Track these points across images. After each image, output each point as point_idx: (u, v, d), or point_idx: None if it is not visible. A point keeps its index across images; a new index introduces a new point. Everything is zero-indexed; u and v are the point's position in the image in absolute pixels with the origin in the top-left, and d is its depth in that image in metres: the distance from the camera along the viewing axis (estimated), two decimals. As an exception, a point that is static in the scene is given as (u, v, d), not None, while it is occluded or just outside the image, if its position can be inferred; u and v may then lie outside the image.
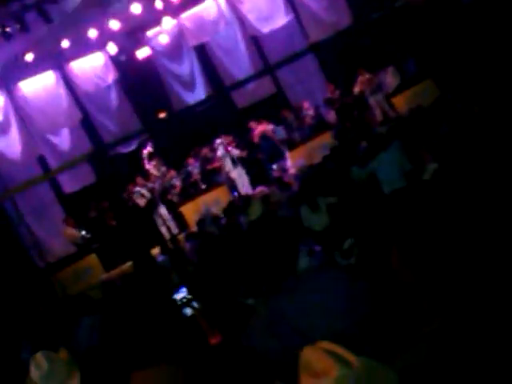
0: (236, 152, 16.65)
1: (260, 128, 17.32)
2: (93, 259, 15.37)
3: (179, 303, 6.40)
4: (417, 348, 2.59)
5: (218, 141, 16.68)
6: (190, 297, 6.46)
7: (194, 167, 17.12)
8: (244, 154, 16.85)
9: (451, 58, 15.39)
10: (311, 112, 17.63)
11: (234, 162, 16.53)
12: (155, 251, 14.11)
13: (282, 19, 18.96)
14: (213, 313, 5.73)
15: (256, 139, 17.22)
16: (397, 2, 17.95)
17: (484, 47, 14.80)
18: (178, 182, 16.81)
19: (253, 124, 17.37)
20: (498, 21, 15.09)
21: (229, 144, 16.61)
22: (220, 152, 16.60)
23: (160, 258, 12.82)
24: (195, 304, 6.24)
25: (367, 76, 17.24)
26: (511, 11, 14.55)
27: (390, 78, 17.51)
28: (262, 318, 3.11)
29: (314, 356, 1.87)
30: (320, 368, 1.82)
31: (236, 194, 16.25)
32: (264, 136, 17.09)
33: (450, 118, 10.62)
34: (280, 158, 16.61)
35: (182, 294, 6.58)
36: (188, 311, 6.11)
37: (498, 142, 7.43)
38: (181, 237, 14.80)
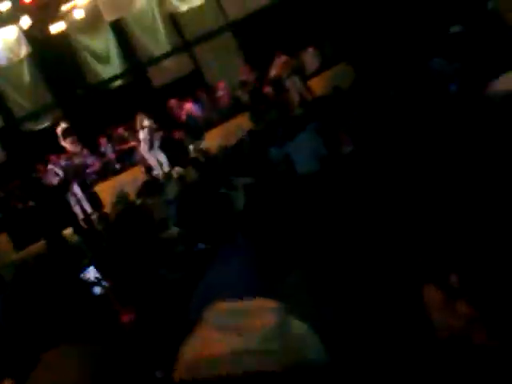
0: (159, 135, 16.44)
1: (187, 106, 17.19)
2: (3, 240, 14.99)
3: (88, 282, 6.25)
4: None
5: (145, 123, 16.34)
6: (99, 276, 6.32)
7: (106, 147, 16.87)
8: (163, 135, 16.66)
9: (367, 40, 15.57)
10: (226, 93, 17.57)
11: (153, 144, 16.32)
12: (68, 231, 13.90)
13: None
14: (124, 291, 5.63)
15: (183, 117, 17.07)
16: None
17: (399, 30, 15.05)
18: (93, 161, 16.53)
19: (173, 102, 17.19)
20: (412, 7, 15.37)
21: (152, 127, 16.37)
22: (143, 134, 16.30)
23: (74, 238, 12.63)
24: (106, 283, 6.11)
25: (284, 58, 17.26)
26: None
27: (310, 59, 17.60)
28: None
29: (233, 308, 1.70)
30: (241, 322, 1.64)
31: (156, 172, 16.05)
32: (190, 115, 16.98)
33: (366, 102, 10.77)
34: (201, 137, 16.50)
35: (91, 273, 6.42)
36: (98, 290, 5.97)
37: (413, 124, 7.57)
38: (94, 217, 14.62)
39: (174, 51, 19.00)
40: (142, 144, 16.29)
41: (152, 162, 16.27)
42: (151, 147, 16.25)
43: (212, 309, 1.74)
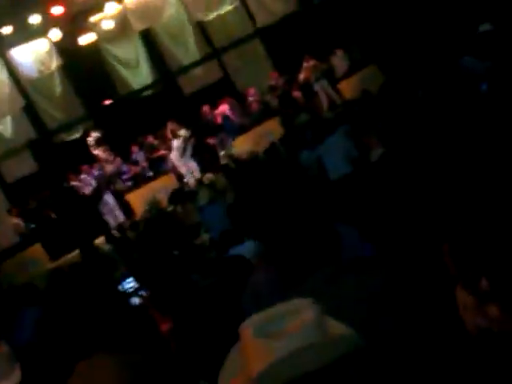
0: (191, 143, 16.49)
1: (223, 108, 17.25)
2: (38, 249, 15.12)
3: (126, 292, 6.31)
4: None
5: (182, 132, 16.37)
6: (137, 285, 6.37)
7: (138, 154, 16.97)
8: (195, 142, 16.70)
9: (396, 42, 15.50)
10: (256, 98, 17.58)
11: (185, 152, 16.36)
12: (100, 240, 13.98)
13: (227, 5, 18.87)
14: (162, 300, 5.66)
15: (218, 120, 17.12)
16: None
17: (427, 32, 14.95)
18: (126, 169, 16.64)
19: (206, 107, 17.23)
20: (439, 7, 15.26)
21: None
22: (177, 143, 16.34)
23: (106, 247, 12.71)
24: (143, 292, 6.15)
25: (312, 62, 17.25)
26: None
27: (339, 62, 17.57)
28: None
29: (270, 316, 1.71)
30: (280, 327, 1.65)
31: (185, 180, 16.10)
32: (226, 116, 17.04)
33: (396, 104, 10.70)
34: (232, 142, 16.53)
35: (129, 284, 6.48)
36: (136, 300, 6.02)
37: (443, 126, 7.51)
38: (126, 226, 14.70)
39: (203, 59, 19.06)
40: (174, 152, 16.33)
41: (183, 169, 16.31)
42: (183, 155, 16.29)
43: (249, 322, 1.74)
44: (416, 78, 11.70)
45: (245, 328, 1.69)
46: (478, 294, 1.82)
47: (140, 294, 6.16)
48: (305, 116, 15.64)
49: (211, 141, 16.80)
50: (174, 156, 16.34)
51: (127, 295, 6.24)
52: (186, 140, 16.34)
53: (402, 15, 15.75)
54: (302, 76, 17.29)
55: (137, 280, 6.51)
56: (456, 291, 1.90)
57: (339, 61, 17.70)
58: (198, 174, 16.06)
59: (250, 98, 17.56)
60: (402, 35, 15.38)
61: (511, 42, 10.47)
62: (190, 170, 16.25)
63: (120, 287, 6.41)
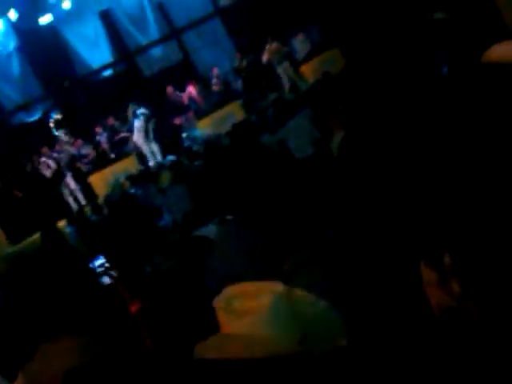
0: (153, 123, 16.41)
1: (189, 89, 17.29)
2: (-3, 232, 14.96)
3: (96, 272, 6.30)
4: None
5: (141, 110, 16.27)
6: (107, 265, 6.36)
7: (101, 136, 16.83)
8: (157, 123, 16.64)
9: (356, 26, 15.53)
10: (219, 80, 17.53)
11: (148, 133, 16.28)
12: (62, 223, 13.86)
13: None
14: (131, 280, 5.66)
15: (185, 101, 17.10)
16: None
17: (388, 16, 15.02)
18: (88, 151, 16.49)
19: (171, 88, 17.14)
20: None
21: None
22: (136, 122, 16.25)
23: (68, 230, 12.61)
24: (113, 272, 6.14)
25: (275, 45, 17.22)
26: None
27: (300, 45, 17.58)
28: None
29: (237, 292, 1.77)
30: (244, 304, 1.72)
31: (150, 163, 16.03)
32: (192, 98, 17.02)
33: (357, 86, 10.77)
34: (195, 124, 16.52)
35: (99, 262, 6.45)
36: (106, 279, 6.00)
37: (404, 109, 7.57)
38: (88, 208, 14.60)
39: (162, 39, 18.95)
40: (136, 133, 16.22)
41: (146, 151, 16.23)
42: (146, 136, 16.20)
43: (223, 292, 1.81)
44: (377, 61, 11.78)
45: (217, 301, 1.77)
46: (441, 270, 1.85)
47: (110, 273, 6.14)
48: (267, 99, 15.66)
49: (176, 121, 16.74)
50: (136, 137, 16.24)
51: (97, 274, 6.22)
52: (146, 120, 16.25)
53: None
54: (264, 58, 17.25)
55: (107, 260, 6.49)
56: (421, 268, 1.93)
57: (300, 44, 17.70)
58: (160, 156, 16.02)
59: (214, 79, 17.48)
60: (364, 19, 15.42)
61: (467, 30, 10.55)
62: (152, 152, 16.19)
63: (90, 265, 6.38)
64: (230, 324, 1.75)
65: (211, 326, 1.87)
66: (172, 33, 19.14)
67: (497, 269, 1.86)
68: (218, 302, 1.79)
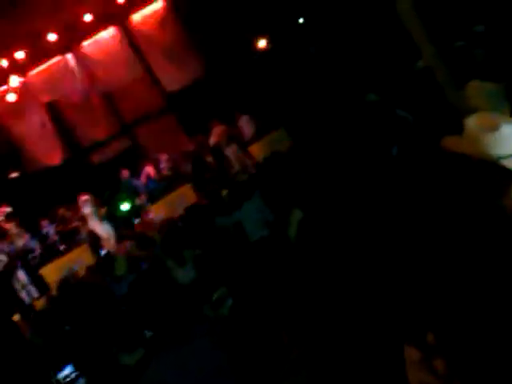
0: (101, 208, 16.42)
1: (148, 169, 17.45)
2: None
3: (65, 381, 6.19)
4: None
5: (84, 198, 16.29)
6: (76, 373, 6.24)
7: (49, 228, 16.64)
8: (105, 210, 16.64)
9: (301, 107, 15.91)
10: (168, 164, 17.65)
11: (101, 218, 16.25)
12: (16, 318, 13.55)
13: (132, 74, 19.03)
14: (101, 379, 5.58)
15: (143, 179, 17.22)
16: (255, 55, 18.52)
17: (331, 94, 15.42)
18: (35, 245, 16.26)
19: (125, 171, 17.17)
20: (341, 68, 15.82)
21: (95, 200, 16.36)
22: (87, 209, 16.24)
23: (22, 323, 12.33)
24: (82, 380, 6.03)
25: (221, 127, 17.48)
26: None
27: (246, 127, 17.85)
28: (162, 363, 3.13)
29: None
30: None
31: (102, 251, 15.89)
32: (150, 178, 17.16)
33: (306, 163, 10.93)
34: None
35: (66, 372, 6.33)
36: None
37: (355, 188, 7.71)
38: (41, 301, 14.31)
39: (114, 136, 19.10)
40: (89, 218, 16.19)
41: (102, 234, 16.14)
42: (101, 220, 16.19)
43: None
44: (325, 138, 11.99)
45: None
46: (424, 349, 1.90)
47: (79, 381, 6.04)
48: (218, 181, 15.79)
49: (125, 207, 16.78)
50: (92, 224, 16.17)
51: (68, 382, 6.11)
52: (92, 203, 16.25)
53: (305, 80, 16.26)
54: (212, 140, 17.48)
55: (76, 367, 6.37)
56: (404, 347, 1.98)
57: (246, 125, 17.98)
58: (113, 241, 15.94)
59: (163, 164, 17.62)
60: (308, 97, 15.82)
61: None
62: (108, 235, 16.12)
63: (57, 377, 6.27)
64: None
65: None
66: (123, 127, 19.29)
67: (480, 346, 1.93)
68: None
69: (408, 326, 2.05)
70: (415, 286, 2.15)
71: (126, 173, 17.34)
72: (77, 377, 6.17)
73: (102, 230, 16.19)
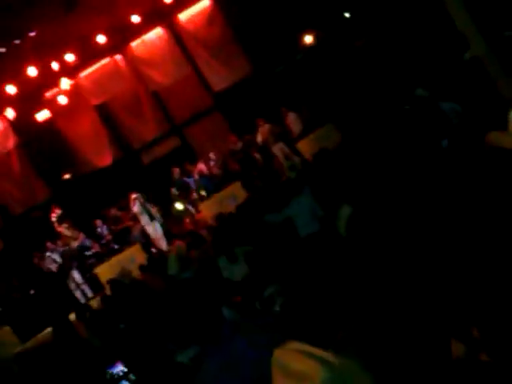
0: (152, 207, 16.60)
1: (200, 166, 17.69)
2: (7, 332, 14.82)
3: (116, 377, 6.26)
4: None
5: (133, 196, 16.52)
6: (126, 370, 6.32)
7: (102, 228, 16.87)
8: (157, 208, 16.82)
9: (350, 101, 15.84)
10: (218, 163, 17.75)
11: (151, 216, 16.43)
12: (71, 317, 13.78)
13: (180, 72, 19.16)
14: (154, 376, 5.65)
15: (196, 177, 17.40)
16: (298, 55, 18.51)
17: (379, 87, 15.33)
18: (90, 244, 16.52)
19: (177, 169, 17.38)
20: (389, 61, 15.70)
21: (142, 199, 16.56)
22: (136, 208, 16.46)
23: (77, 323, 12.52)
24: (132, 377, 6.10)
25: (266, 126, 17.50)
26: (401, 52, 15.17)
27: (294, 124, 17.82)
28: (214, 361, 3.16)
29: (292, 357, 1.79)
30: (301, 370, 1.73)
31: (154, 250, 16.09)
32: (202, 175, 17.42)
33: (355, 159, 10.89)
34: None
35: (118, 368, 6.42)
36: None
37: (407, 183, 7.64)
38: (95, 301, 14.53)
39: (163, 136, 19.26)
40: (140, 217, 16.39)
41: (152, 233, 16.34)
42: (151, 219, 16.37)
43: (282, 350, 1.85)
44: (372, 132, 11.93)
45: (275, 357, 1.82)
46: (469, 343, 1.90)
47: (129, 378, 6.11)
48: (266, 178, 15.83)
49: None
50: (142, 220, 16.38)
51: (116, 379, 6.19)
52: (142, 203, 16.43)
53: (352, 75, 16.19)
54: (259, 139, 17.52)
55: (126, 365, 6.45)
56: (451, 343, 1.98)
57: (293, 122, 17.95)
58: (164, 240, 16.15)
59: (212, 162, 17.72)
60: (356, 92, 15.74)
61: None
62: (158, 237, 16.30)
63: (110, 371, 6.36)
64: (279, 381, 1.81)
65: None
66: (172, 127, 19.45)
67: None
68: (276, 359, 1.84)
69: (454, 321, 2.05)
70: (462, 281, 2.14)
71: (177, 171, 17.47)
72: (126, 373, 6.25)
73: (152, 228, 16.38)
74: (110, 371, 6.37)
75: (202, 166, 17.78)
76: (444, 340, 2.07)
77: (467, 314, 1.98)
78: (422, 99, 11.92)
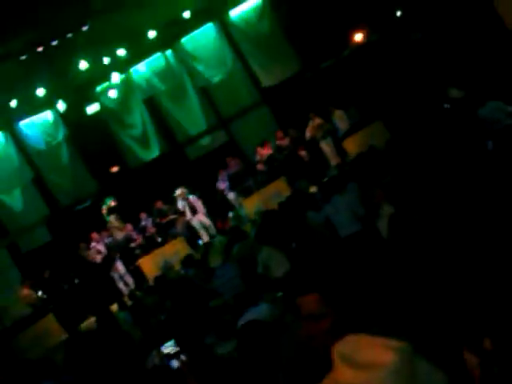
0: (196, 202, 16.71)
1: (266, 149, 17.81)
2: (51, 320, 15.07)
3: (166, 355, 6.36)
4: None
5: (179, 191, 16.65)
6: (177, 349, 6.41)
7: (146, 221, 17.03)
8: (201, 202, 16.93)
9: (398, 100, 15.70)
10: (263, 158, 17.71)
11: (194, 211, 16.56)
12: (114, 308, 13.95)
13: (230, 68, 19.24)
14: (198, 365, 5.69)
15: (263, 158, 17.63)
16: (345, 51, 18.43)
17: (428, 85, 15.16)
18: (135, 236, 16.70)
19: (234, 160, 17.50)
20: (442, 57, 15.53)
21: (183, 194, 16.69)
22: (180, 203, 16.62)
23: (120, 314, 12.67)
24: (183, 356, 6.18)
25: (318, 121, 17.41)
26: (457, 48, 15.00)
27: (341, 122, 17.74)
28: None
29: (355, 348, 1.76)
30: (367, 359, 1.70)
31: (200, 242, 16.20)
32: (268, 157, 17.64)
33: (403, 159, 10.77)
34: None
35: (169, 347, 6.53)
36: (175, 363, 6.06)
37: (451, 177, 7.54)
38: (139, 292, 14.69)
39: (209, 130, 19.33)
40: (185, 210, 16.54)
41: (198, 226, 16.47)
42: (194, 213, 16.50)
43: (343, 341, 1.84)
44: (421, 133, 11.80)
45: (335, 348, 1.80)
46: (481, 354, 1.88)
47: (180, 357, 6.18)
48: (311, 175, 15.78)
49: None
50: (187, 215, 16.54)
51: (168, 357, 6.28)
52: (185, 198, 16.58)
53: (403, 72, 16.04)
54: (308, 134, 17.45)
55: (177, 344, 6.55)
56: (464, 355, 1.96)
57: (340, 120, 17.87)
58: (212, 230, 16.25)
59: (259, 157, 17.68)
60: (404, 91, 15.60)
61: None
62: (205, 226, 16.42)
63: (161, 349, 6.48)
64: (345, 373, 1.77)
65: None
66: (219, 121, 19.52)
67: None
68: (336, 349, 1.81)
69: (466, 331, 2.03)
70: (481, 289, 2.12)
71: (233, 163, 17.48)
72: (179, 352, 6.34)
73: (197, 221, 16.50)
74: (161, 350, 6.48)
75: (267, 149, 17.83)
76: (458, 350, 2.05)
77: (480, 323, 1.97)
78: (457, 100, 11.78)
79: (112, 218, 16.93)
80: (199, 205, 16.71)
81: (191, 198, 16.72)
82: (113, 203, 17.08)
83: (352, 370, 1.74)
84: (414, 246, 5.99)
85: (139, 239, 16.71)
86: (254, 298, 7.34)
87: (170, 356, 6.29)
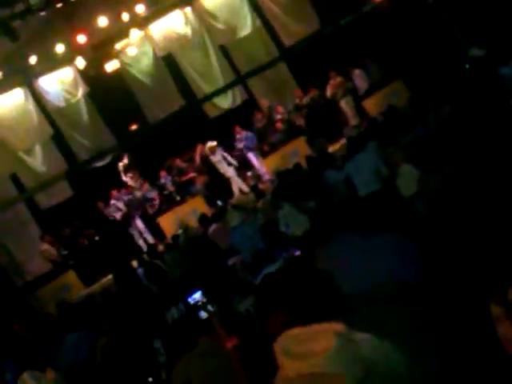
0: (229, 156, 16.73)
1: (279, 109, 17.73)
2: (71, 275, 15.26)
3: (193, 306, 6.43)
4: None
5: (211, 144, 16.63)
6: (205, 300, 6.47)
7: (166, 179, 17.05)
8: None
9: (419, 59, 15.52)
10: (283, 116, 17.59)
11: (229, 164, 16.61)
12: (133, 264, 14.08)
13: (249, 26, 19.06)
14: (227, 316, 5.77)
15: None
16: (364, 7, 18.17)
17: (448, 46, 14.99)
18: (154, 194, 16.75)
19: (237, 129, 17.29)
20: (460, 19, 15.30)
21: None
22: (217, 157, 16.60)
23: (139, 271, 12.77)
24: (210, 307, 6.25)
25: (338, 79, 17.27)
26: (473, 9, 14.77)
27: (360, 81, 17.59)
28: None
29: (294, 340, 1.82)
30: (307, 347, 1.76)
31: (219, 202, 16.22)
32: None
33: (422, 119, 10.69)
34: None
35: (196, 297, 6.58)
36: (203, 314, 6.13)
37: (471, 142, 7.48)
38: (159, 247, 14.80)
39: (227, 86, 19.20)
40: (219, 164, 16.59)
41: (232, 179, 16.60)
42: (229, 165, 16.54)
43: (281, 337, 1.89)
44: (441, 92, 11.66)
45: (276, 346, 1.85)
46: (506, 305, 1.88)
47: (207, 308, 6.25)
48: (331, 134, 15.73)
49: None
50: (224, 169, 16.57)
51: (195, 308, 6.35)
52: (218, 152, 16.61)
53: (424, 32, 15.83)
54: (328, 92, 17.31)
55: (205, 294, 6.60)
56: (490, 305, 1.96)
57: (359, 79, 17.71)
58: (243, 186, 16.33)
59: (278, 116, 17.58)
60: (426, 51, 15.41)
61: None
62: (237, 182, 16.50)
63: (188, 300, 6.55)
64: (289, 366, 1.82)
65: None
66: (237, 79, 19.39)
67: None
68: (277, 347, 1.87)
69: (491, 283, 2.03)
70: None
71: (237, 129, 17.37)
72: (206, 302, 6.40)
73: (231, 172, 16.53)
74: (188, 300, 6.55)
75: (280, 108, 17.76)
76: (483, 301, 2.06)
77: (505, 274, 1.96)
78: (478, 59, 11.62)
79: (128, 176, 16.94)
80: (230, 158, 16.71)
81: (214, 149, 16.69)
82: (126, 160, 17.06)
83: (296, 362, 1.81)
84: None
85: (156, 199, 16.75)
86: (272, 255, 7.38)
87: (197, 307, 6.36)
